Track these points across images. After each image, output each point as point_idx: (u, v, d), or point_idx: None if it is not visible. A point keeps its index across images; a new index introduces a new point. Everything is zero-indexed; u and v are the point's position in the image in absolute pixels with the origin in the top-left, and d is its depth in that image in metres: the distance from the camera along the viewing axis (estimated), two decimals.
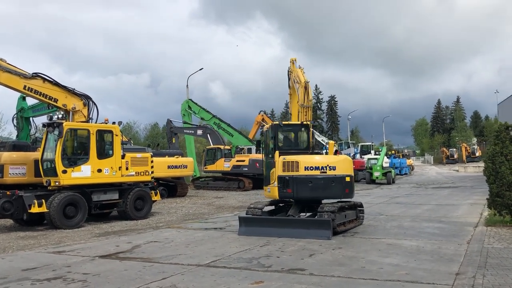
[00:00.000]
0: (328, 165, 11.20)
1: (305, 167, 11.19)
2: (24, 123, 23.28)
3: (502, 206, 11.04)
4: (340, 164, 11.38)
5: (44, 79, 13.69)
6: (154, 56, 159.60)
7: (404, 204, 18.39)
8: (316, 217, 11.19)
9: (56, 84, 13.95)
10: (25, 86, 13.38)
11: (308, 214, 12.02)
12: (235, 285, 6.59)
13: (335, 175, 11.13)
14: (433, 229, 11.62)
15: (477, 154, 73.20)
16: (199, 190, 30.39)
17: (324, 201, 11.59)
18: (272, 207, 12.34)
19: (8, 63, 13.20)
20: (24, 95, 18.58)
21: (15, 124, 23.57)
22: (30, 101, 23.11)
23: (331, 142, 12.14)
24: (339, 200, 11.64)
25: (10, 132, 36.74)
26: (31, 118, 23.33)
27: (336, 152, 15.07)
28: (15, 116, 23.47)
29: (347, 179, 11.20)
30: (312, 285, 6.47)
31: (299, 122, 12.58)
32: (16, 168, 14.04)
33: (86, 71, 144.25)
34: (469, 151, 74.82)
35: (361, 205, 12.60)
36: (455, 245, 9.23)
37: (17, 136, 23.43)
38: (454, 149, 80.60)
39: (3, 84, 13.10)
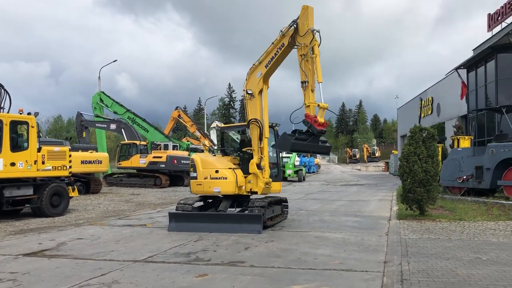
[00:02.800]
0: None
1: None
2: None
3: (413, 201, 12.17)
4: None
5: None
6: (55, 43, 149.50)
7: (320, 200, 19.39)
8: (246, 212, 11.48)
9: None
10: None
11: (237, 209, 12.25)
12: (179, 279, 6.60)
13: None
14: (352, 222, 12.47)
15: (377, 155, 78.93)
16: (112, 186, 29.32)
17: (252, 196, 11.94)
18: (201, 203, 12.40)
19: None
20: None
21: None
22: None
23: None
24: (267, 195, 12.06)
25: None
26: None
27: None
28: None
29: None
30: (256, 276, 6.70)
31: None
32: None
33: None
34: (370, 151, 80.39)
35: (285, 200, 13.11)
36: (376, 237, 10.03)
37: None
38: (357, 149, 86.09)
39: None
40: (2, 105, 13.48)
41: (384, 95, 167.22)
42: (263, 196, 11.99)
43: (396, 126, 61.56)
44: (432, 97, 35.91)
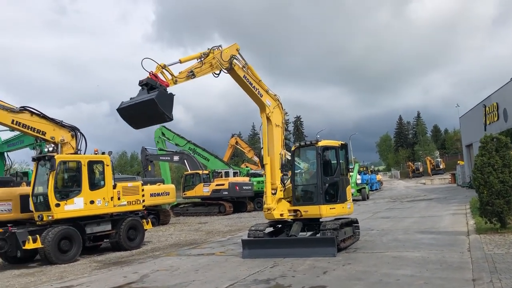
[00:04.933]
0: None
1: None
2: None
3: (492, 214, 11.62)
4: None
5: (32, 113, 13.49)
6: (112, 83, 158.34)
7: (389, 218, 18.92)
8: (318, 235, 11.45)
9: (43, 117, 13.76)
10: (13, 121, 13.14)
11: (309, 233, 12.23)
12: None
13: None
14: (429, 239, 12.07)
15: (441, 167, 75.70)
16: (179, 217, 30.09)
17: (322, 219, 11.90)
18: (271, 229, 12.49)
19: None
20: (8, 129, 18.04)
21: None
22: (4, 136, 22.61)
23: None
24: (338, 217, 11.98)
25: None
26: (5, 153, 22.75)
27: None
28: None
29: None
30: None
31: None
32: (1, 204, 13.69)
33: (41, 101, 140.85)
34: (433, 164, 77.31)
35: (356, 221, 12.95)
36: (458, 254, 9.66)
37: None
38: (419, 162, 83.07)
39: None
40: (79, 147, 14.40)
41: (443, 104, 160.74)
42: (334, 218, 11.93)
43: (459, 136, 59.08)
44: (497, 103, 34.21)
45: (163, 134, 36.40)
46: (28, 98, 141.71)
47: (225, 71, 11.75)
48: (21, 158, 46.24)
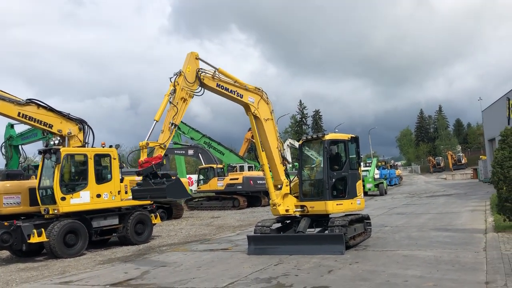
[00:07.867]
0: None
1: None
2: (13, 152, 22.76)
3: (511, 211, 11.02)
4: None
5: (39, 105, 13.37)
6: (131, 77, 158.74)
7: (405, 215, 18.34)
8: (326, 232, 11.04)
9: (50, 109, 13.63)
10: (19, 113, 13.03)
11: (317, 229, 11.82)
12: None
13: None
14: (443, 237, 11.54)
15: (463, 162, 74.15)
16: (193, 211, 29.97)
17: (332, 215, 11.45)
18: (279, 225, 12.12)
19: (1, 90, 12.88)
20: (18, 122, 18.04)
21: (3, 153, 22.98)
22: (19, 129, 22.69)
23: None
24: (347, 213, 11.54)
25: None
26: (20, 146, 22.83)
27: None
28: (3, 144, 22.93)
29: None
30: None
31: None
32: (11, 197, 13.64)
33: (61, 95, 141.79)
34: (455, 158, 75.75)
35: (368, 218, 12.44)
36: (472, 253, 9.14)
37: (6, 165, 22.82)
38: (440, 157, 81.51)
39: None
40: (86, 140, 14.25)
41: (467, 97, 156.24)
42: (344, 214, 11.49)
43: (482, 130, 57.52)
44: None
45: (178, 128, 36.28)
46: (48, 92, 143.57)
47: (198, 91, 10.82)
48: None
